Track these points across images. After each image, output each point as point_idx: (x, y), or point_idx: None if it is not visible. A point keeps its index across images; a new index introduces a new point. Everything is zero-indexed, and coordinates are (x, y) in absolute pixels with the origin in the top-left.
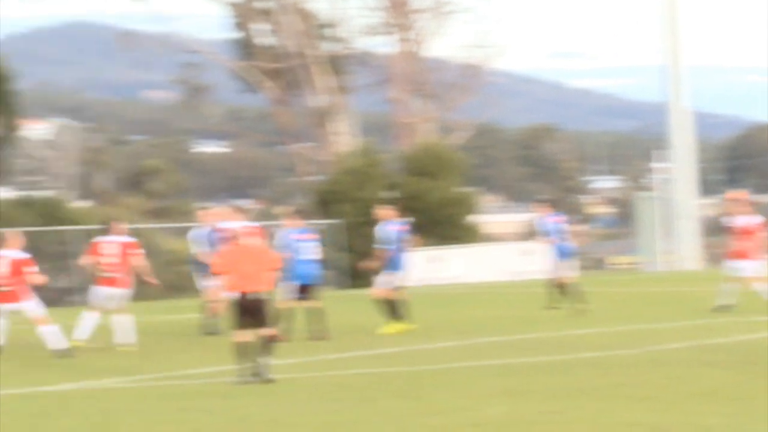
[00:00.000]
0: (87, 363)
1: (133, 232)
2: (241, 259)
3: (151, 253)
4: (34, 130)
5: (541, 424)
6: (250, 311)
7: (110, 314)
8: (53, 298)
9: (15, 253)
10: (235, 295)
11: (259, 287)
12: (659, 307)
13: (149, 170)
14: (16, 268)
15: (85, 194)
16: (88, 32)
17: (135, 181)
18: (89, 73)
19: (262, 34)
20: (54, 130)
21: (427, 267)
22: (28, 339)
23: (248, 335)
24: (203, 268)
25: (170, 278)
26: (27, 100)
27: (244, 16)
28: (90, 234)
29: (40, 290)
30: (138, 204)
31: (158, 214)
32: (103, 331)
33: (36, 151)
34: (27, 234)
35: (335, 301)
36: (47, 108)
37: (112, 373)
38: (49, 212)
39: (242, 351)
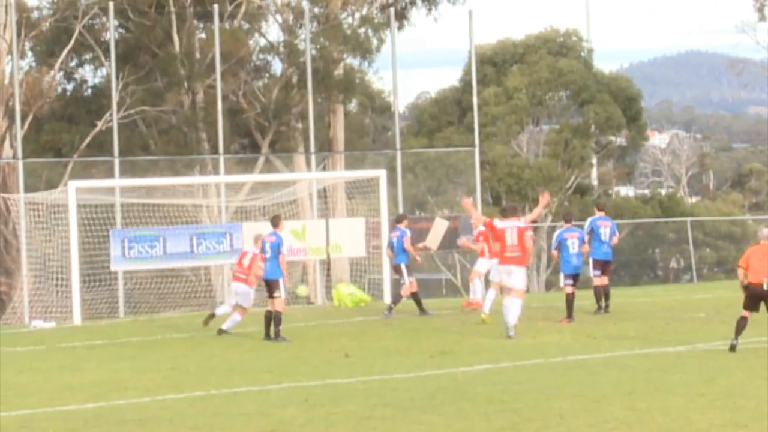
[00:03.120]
0: None
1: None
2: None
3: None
4: (655, 139)
5: None
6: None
7: None
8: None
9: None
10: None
11: None
12: None
13: (749, 172)
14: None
15: (694, 192)
16: (701, 59)
17: (736, 182)
18: (701, 93)
19: None
20: (670, 140)
21: None
22: None
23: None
24: None
25: None
26: (650, 115)
27: None
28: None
29: None
30: (738, 199)
31: (756, 208)
32: None
33: (656, 157)
34: (647, 224)
35: None
36: (666, 121)
37: None
38: (667, 206)
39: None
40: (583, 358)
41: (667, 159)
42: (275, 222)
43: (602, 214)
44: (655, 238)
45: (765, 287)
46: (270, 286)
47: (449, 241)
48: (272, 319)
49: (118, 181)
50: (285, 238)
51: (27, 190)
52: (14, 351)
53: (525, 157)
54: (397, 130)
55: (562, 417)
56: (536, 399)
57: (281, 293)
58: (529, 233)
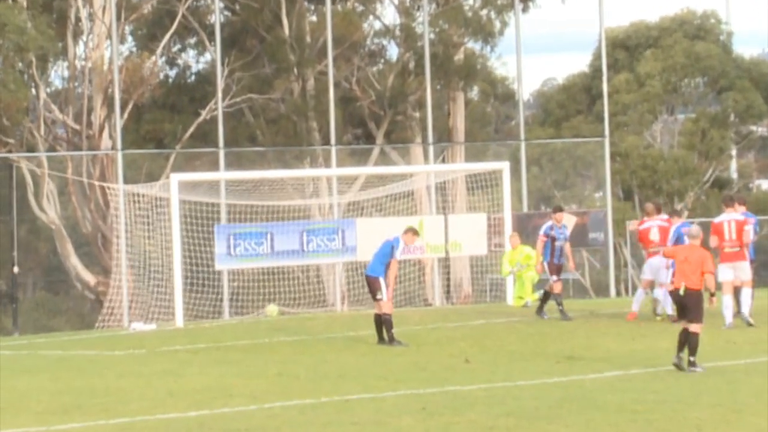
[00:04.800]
0: None
1: None
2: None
3: None
4: None
5: None
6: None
7: None
8: None
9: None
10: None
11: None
12: None
13: None
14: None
15: None
16: None
17: None
18: None
19: None
20: None
21: None
22: None
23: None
24: None
25: None
26: None
27: None
28: None
29: None
30: None
31: None
32: None
33: None
34: None
35: None
36: None
37: None
38: None
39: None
40: (721, 364)
41: None
42: (405, 231)
43: (744, 209)
44: None
45: (681, 293)
46: (371, 287)
47: (577, 238)
48: (381, 322)
49: (223, 174)
50: (403, 245)
51: (127, 183)
52: (113, 355)
53: (659, 148)
54: (521, 119)
55: (699, 429)
56: (671, 409)
57: (383, 295)
58: (747, 227)
